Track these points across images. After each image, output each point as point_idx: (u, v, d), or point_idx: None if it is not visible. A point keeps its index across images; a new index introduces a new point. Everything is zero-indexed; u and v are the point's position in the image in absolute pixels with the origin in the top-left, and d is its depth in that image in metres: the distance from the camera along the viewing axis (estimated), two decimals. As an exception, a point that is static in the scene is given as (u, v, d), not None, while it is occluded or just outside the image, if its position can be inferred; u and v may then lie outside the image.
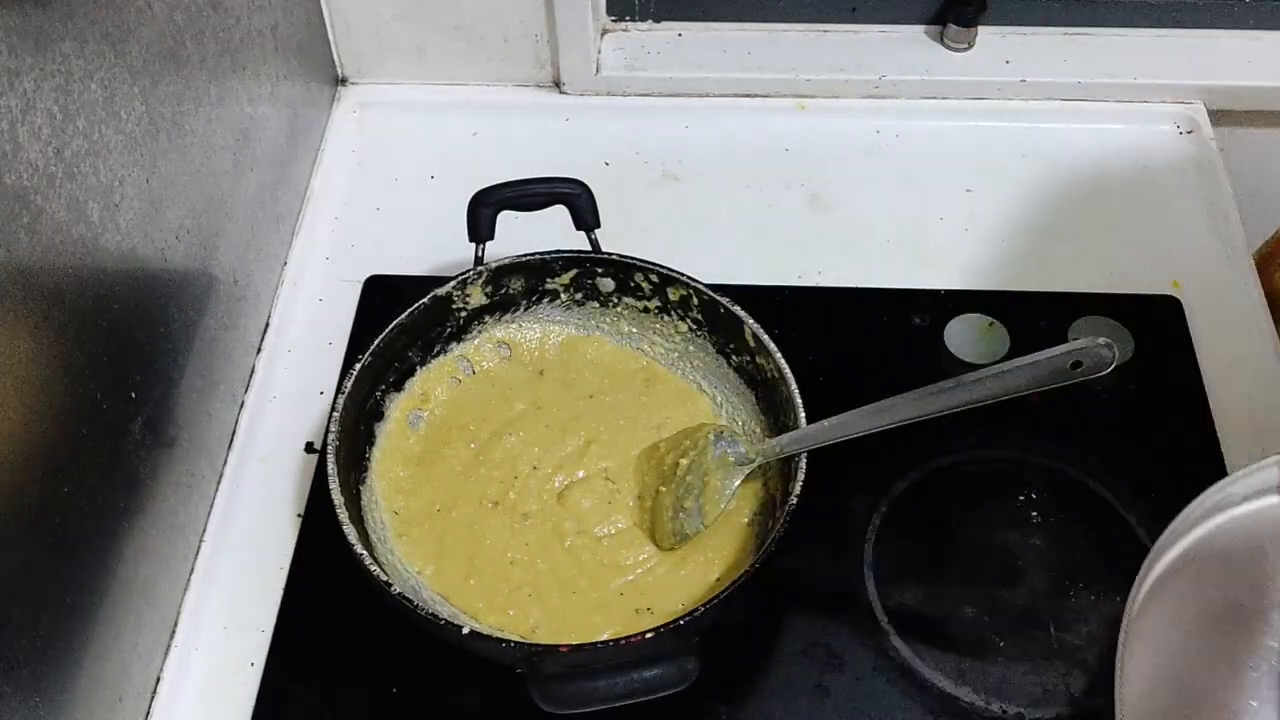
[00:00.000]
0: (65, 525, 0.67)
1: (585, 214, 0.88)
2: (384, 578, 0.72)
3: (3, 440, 0.60)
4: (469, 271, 0.86)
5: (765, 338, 0.83)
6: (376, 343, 0.83)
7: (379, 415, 0.85)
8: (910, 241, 1.03)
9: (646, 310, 0.90)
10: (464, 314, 0.88)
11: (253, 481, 0.89)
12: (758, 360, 0.84)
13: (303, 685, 0.80)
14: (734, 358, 0.87)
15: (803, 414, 0.79)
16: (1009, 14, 1.13)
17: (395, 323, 0.84)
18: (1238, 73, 1.11)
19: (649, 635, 0.69)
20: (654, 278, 0.88)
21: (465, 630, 0.71)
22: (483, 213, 0.87)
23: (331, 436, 0.78)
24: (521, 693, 0.78)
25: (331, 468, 0.77)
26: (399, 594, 0.71)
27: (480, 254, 0.87)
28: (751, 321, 0.84)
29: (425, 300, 0.85)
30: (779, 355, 0.82)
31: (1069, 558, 0.83)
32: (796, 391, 0.80)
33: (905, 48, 1.13)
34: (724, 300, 0.85)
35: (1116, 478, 0.86)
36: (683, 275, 0.87)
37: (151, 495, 0.77)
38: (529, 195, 0.88)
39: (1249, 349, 0.94)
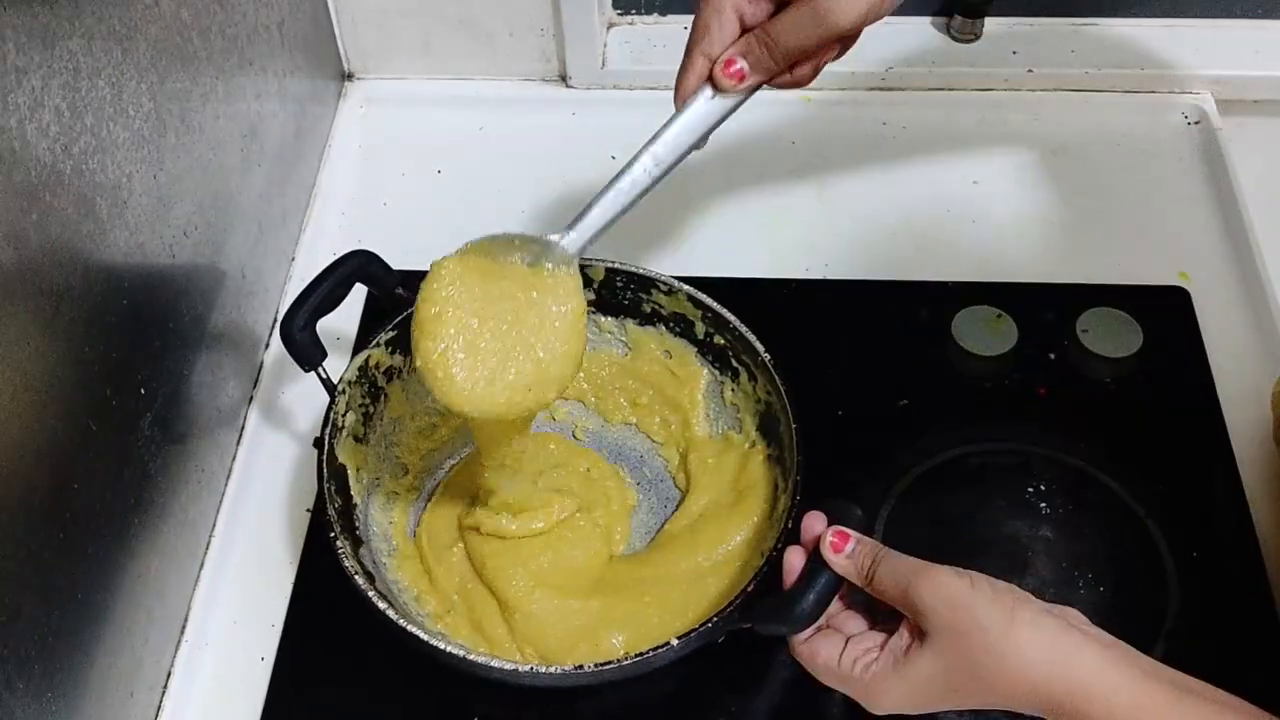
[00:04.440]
0: (75, 521, 0.67)
1: (382, 279, 0.84)
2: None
3: (12, 437, 0.60)
4: (332, 409, 0.80)
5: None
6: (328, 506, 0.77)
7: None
8: (917, 234, 1.03)
9: None
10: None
11: (262, 477, 0.89)
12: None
13: (313, 680, 0.80)
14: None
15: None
16: (1015, 5, 1.13)
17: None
18: (1245, 63, 1.10)
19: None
20: None
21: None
22: (301, 338, 0.80)
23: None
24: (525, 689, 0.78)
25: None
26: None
27: (325, 375, 0.81)
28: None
29: (324, 452, 0.79)
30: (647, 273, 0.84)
31: (1077, 549, 0.82)
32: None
33: (912, 39, 1.13)
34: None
35: (1125, 469, 0.86)
36: None
37: (161, 491, 0.78)
38: (329, 294, 0.81)
39: (1257, 339, 0.94)
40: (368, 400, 0.83)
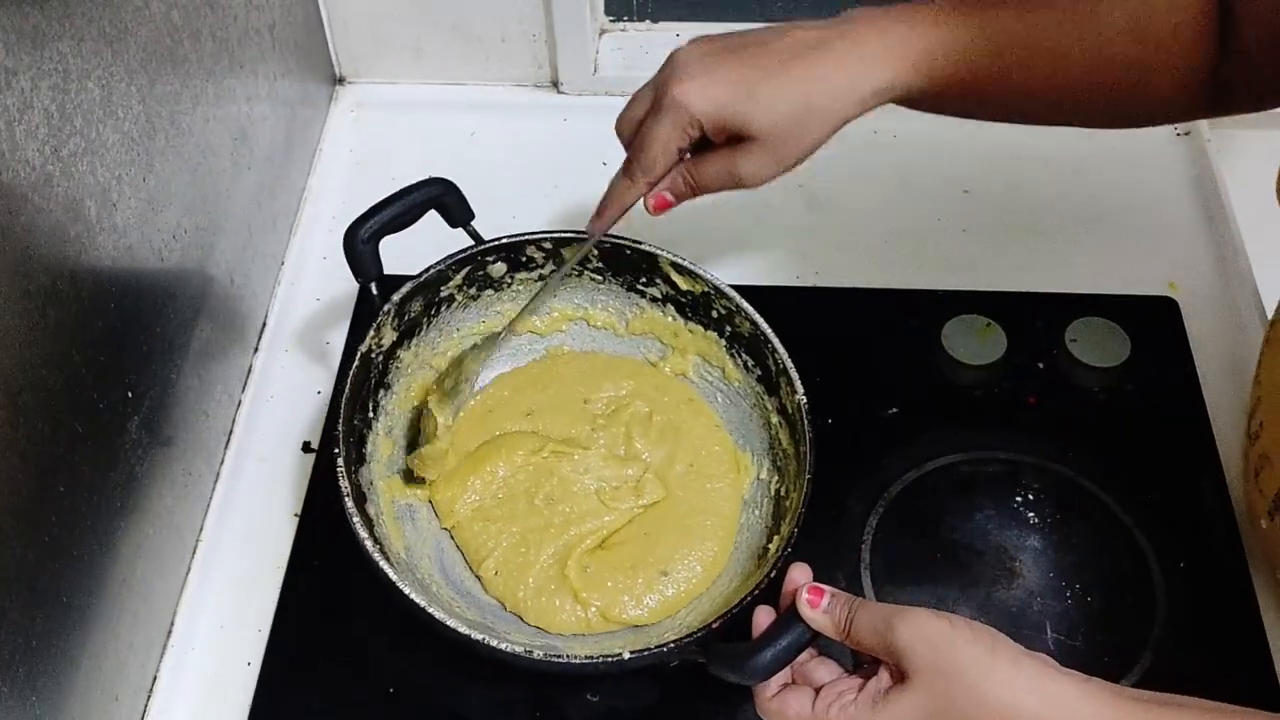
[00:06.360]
0: (61, 524, 0.67)
1: (456, 210, 0.83)
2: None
3: (-1, 439, 0.60)
4: (381, 316, 0.81)
5: (682, 260, 0.84)
6: (340, 424, 0.77)
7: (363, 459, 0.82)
8: (908, 242, 1.03)
9: (543, 278, 0.88)
10: (381, 359, 0.83)
11: (250, 481, 0.89)
12: (677, 283, 0.87)
13: (299, 685, 0.79)
14: (648, 290, 0.88)
15: (753, 312, 0.84)
16: (1007, 15, 1.13)
17: (342, 396, 0.78)
18: (1235, 74, 1.11)
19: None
20: (546, 245, 0.86)
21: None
22: (363, 249, 0.79)
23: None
24: (520, 691, 0.78)
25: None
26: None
27: (373, 290, 0.81)
28: (663, 252, 0.85)
29: (356, 362, 0.79)
30: (702, 271, 0.85)
31: (1065, 558, 0.83)
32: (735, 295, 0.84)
33: (903, 48, 1.13)
34: (628, 240, 0.86)
35: (1113, 479, 0.86)
36: (575, 232, 0.85)
37: (148, 494, 0.77)
38: (401, 213, 0.81)
39: (1245, 350, 0.94)
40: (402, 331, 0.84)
